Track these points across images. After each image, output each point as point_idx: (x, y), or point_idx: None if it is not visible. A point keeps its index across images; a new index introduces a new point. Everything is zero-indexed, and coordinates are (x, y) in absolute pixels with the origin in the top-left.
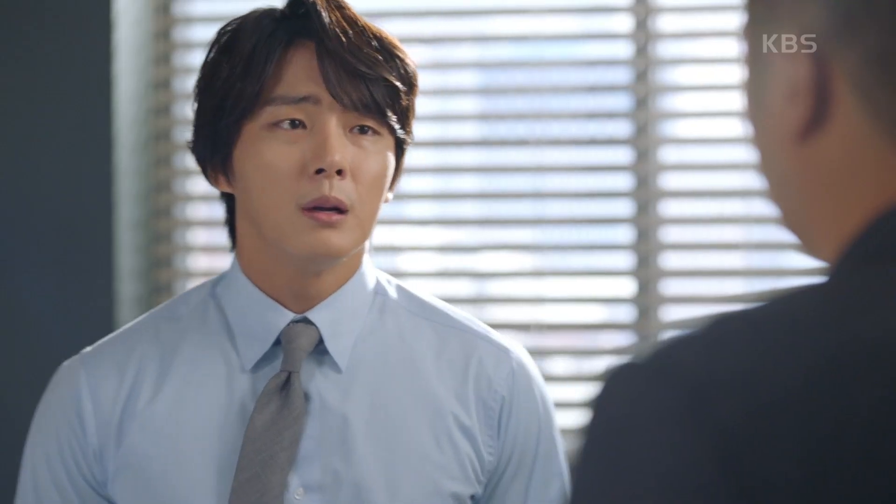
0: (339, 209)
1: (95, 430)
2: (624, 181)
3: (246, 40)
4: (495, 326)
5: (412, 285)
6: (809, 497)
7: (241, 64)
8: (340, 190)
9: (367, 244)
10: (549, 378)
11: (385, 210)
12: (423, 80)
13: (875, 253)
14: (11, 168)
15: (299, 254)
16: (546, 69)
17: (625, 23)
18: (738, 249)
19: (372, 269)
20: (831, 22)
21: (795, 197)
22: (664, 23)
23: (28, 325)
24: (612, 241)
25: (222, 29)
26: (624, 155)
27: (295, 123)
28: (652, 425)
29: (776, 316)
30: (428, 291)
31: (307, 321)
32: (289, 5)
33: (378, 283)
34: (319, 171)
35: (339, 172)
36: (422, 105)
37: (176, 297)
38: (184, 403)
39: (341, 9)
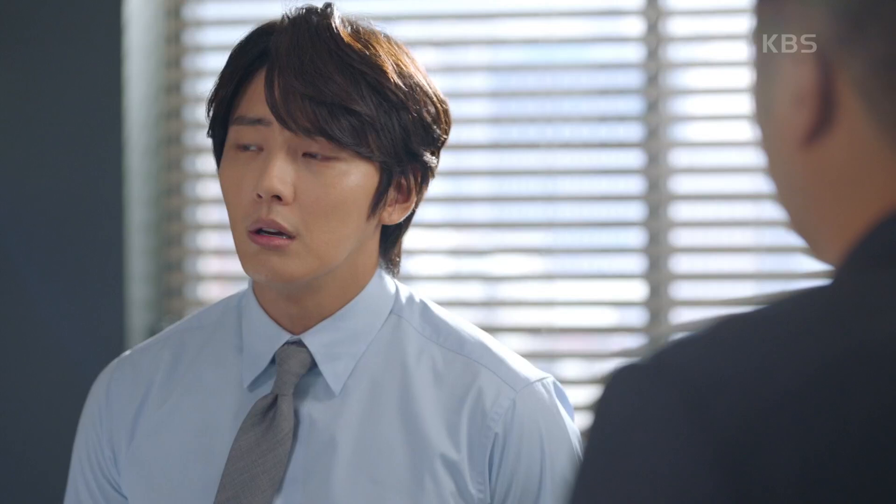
0: (284, 234)
1: (109, 435)
2: (635, 185)
3: (237, 52)
4: (506, 330)
5: (443, 308)
6: (808, 502)
7: (224, 77)
8: (279, 214)
9: (379, 262)
10: (560, 381)
11: None
12: (434, 83)
13: (878, 256)
14: (22, 171)
15: (254, 277)
16: (557, 73)
17: (636, 26)
18: (749, 253)
19: (387, 289)
20: (837, 27)
21: (801, 201)
22: (675, 26)
23: (38, 329)
24: (623, 245)
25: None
26: (635, 158)
27: (249, 147)
28: (652, 427)
29: (778, 318)
30: (462, 318)
31: (300, 343)
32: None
33: (397, 303)
34: (260, 196)
35: (279, 198)
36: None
37: (211, 305)
38: (181, 413)
39: (321, 24)
